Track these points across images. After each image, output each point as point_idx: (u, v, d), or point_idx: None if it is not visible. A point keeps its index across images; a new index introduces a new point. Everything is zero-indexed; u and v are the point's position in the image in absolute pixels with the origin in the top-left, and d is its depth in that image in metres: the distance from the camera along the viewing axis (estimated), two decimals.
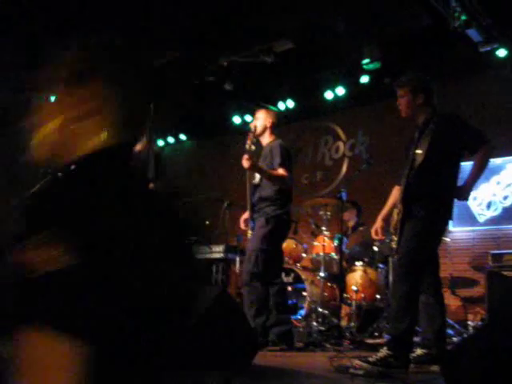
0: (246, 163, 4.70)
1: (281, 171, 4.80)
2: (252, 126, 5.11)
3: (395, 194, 4.21)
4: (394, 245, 3.89)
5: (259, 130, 5.07)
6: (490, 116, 7.43)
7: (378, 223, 4.23)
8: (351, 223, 7.42)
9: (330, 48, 7.45)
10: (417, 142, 3.77)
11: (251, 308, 4.64)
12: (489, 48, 6.85)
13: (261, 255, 4.68)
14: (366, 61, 7.47)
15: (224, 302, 3.09)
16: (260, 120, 5.11)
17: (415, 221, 3.72)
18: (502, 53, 7.04)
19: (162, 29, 7.16)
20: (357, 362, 3.47)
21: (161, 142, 11.72)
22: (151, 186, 4.71)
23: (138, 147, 5.04)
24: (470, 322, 6.31)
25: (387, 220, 4.19)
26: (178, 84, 8.69)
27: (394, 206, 4.06)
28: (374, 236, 4.28)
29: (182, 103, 9.36)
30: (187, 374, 2.75)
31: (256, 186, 4.98)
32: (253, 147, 4.91)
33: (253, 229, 4.92)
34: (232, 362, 2.96)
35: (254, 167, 4.78)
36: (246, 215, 5.14)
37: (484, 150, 3.72)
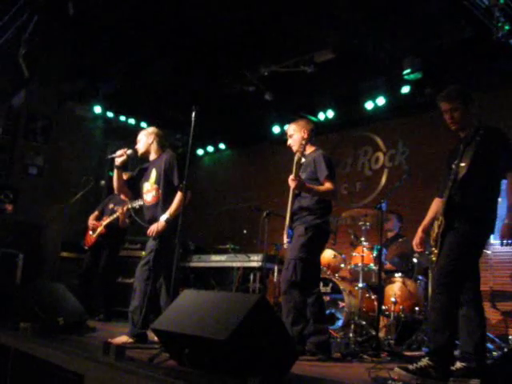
0: (292, 183, 4.67)
1: (328, 185, 4.76)
2: (289, 141, 5.08)
3: (436, 205, 4.19)
4: (434, 257, 3.87)
5: (298, 143, 5.01)
6: None
7: (419, 235, 4.20)
8: (391, 233, 7.38)
9: (370, 58, 7.43)
10: (461, 155, 3.73)
11: (288, 316, 4.64)
12: None
13: (299, 264, 4.68)
14: (407, 71, 7.42)
15: (263, 309, 3.10)
16: (293, 135, 5.06)
17: (456, 234, 3.70)
18: None
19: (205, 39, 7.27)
20: (396, 369, 3.46)
21: (200, 151, 11.85)
22: (179, 192, 4.79)
23: (154, 156, 5.08)
24: (510, 337, 6.20)
25: (427, 232, 4.16)
26: (219, 93, 8.78)
27: (434, 218, 4.04)
28: (414, 248, 4.26)
29: (222, 112, 9.47)
30: (225, 380, 2.79)
31: (296, 195, 4.97)
32: (303, 159, 4.85)
33: (291, 237, 4.91)
34: (270, 370, 2.98)
35: (302, 187, 4.75)
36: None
37: None
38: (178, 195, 4.78)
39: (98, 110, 10.02)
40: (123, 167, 5.19)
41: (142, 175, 5.24)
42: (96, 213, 7.63)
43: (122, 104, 10.11)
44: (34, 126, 9.46)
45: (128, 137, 10.36)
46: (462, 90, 3.99)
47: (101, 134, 10.59)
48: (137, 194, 5.37)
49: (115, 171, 5.18)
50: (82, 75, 8.75)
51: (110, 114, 10.34)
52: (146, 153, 5.23)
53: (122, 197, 7.47)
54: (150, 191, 5.09)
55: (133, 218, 7.10)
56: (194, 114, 4.50)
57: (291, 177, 4.65)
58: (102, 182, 8.31)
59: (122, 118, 10.54)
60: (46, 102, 9.57)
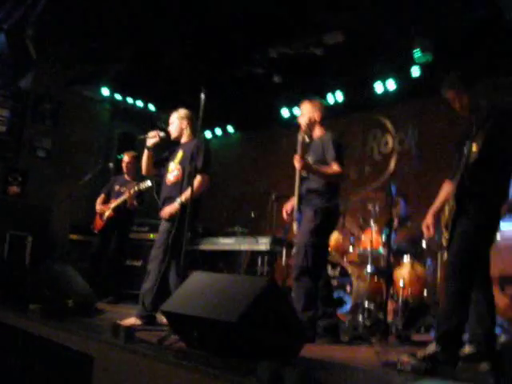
0: (298, 164, 4.65)
1: (335, 167, 4.71)
2: (300, 119, 5.04)
3: (446, 189, 4.15)
4: (444, 242, 3.85)
5: (307, 123, 5.00)
6: None
7: (429, 219, 4.16)
8: (398, 217, 7.34)
9: (380, 40, 7.35)
10: (473, 138, 3.67)
11: (300, 302, 4.62)
12: None
13: (310, 250, 4.65)
14: (417, 53, 7.35)
15: (272, 292, 3.10)
16: (306, 114, 5.04)
17: (468, 218, 3.66)
18: None
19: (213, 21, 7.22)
20: (404, 357, 3.45)
21: (209, 134, 11.81)
22: (199, 177, 4.79)
23: (185, 139, 5.13)
24: None
25: (437, 215, 4.13)
26: (228, 76, 8.74)
27: (445, 202, 4.01)
28: (424, 232, 4.22)
29: (230, 95, 9.43)
30: (237, 362, 2.78)
31: (304, 178, 4.93)
32: (307, 139, 4.84)
33: (299, 221, 4.88)
34: (279, 353, 2.98)
35: (307, 167, 4.72)
36: (289, 206, 5.10)
37: None
38: (197, 179, 4.76)
39: (105, 92, 9.99)
40: (154, 149, 5.22)
41: (171, 156, 5.27)
42: (102, 196, 7.63)
43: (130, 86, 10.07)
44: (43, 108, 9.44)
45: (135, 119, 10.39)
46: (462, 74, 3.94)
47: (108, 116, 10.57)
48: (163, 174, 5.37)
49: (146, 152, 5.26)
50: (90, 57, 8.71)
51: (117, 96, 10.30)
52: (179, 137, 5.24)
53: (127, 177, 7.50)
54: (173, 171, 5.10)
55: (140, 199, 7.12)
56: (202, 96, 4.46)
57: (296, 157, 4.62)
58: (111, 165, 8.31)
59: (130, 100, 10.51)
60: (54, 85, 9.54)
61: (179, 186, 4.93)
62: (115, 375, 3.20)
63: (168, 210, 4.86)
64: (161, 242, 4.85)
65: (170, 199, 4.95)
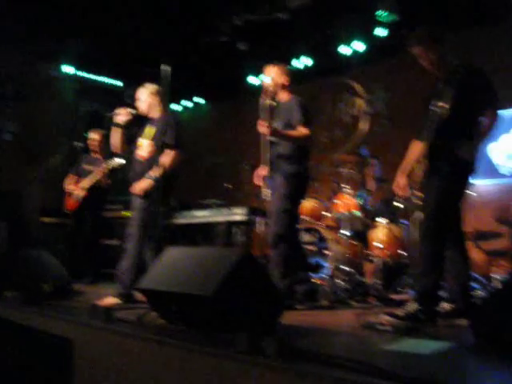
0: (262, 129, 4.59)
1: (302, 130, 4.67)
2: (265, 82, 4.95)
3: (415, 148, 4.14)
4: (417, 201, 3.85)
5: (273, 86, 4.93)
6: (510, 64, 7.26)
7: (401, 179, 4.15)
8: (373, 178, 7.35)
9: (345, 2, 7.27)
10: (440, 95, 3.65)
11: (277, 270, 4.61)
12: None
13: (284, 216, 4.64)
14: (382, 13, 7.30)
15: (248, 263, 3.08)
16: (274, 76, 4.96)
17: (440, 177, 3.67)
18: None
19: None
20: (385, 317, 3.48)
21: (178, 107, 11.69)
22: (171, 152, 4.73)
23: (156, 115, 5.06)
24: (494, 275, 6.27)
25: (409, 175, 4.12)
26: (192, 46, 8.61)
27: (415, 161, 4.00)
28: (398, 192, 4.21)
29: (196, 66, 9.29)
30: (214, 336, 2.77)
31: (272, 144, 4.87)
32: (268, 102, 4.76)
33: (271, 187, 4.84)
34: (258, 323, 2.97)
35: (274, 132, 4.67)
36: (260, 171, 5.07)
37: (495, 115, 3.66)
38: (169, 154, 4.71)
39: (69, 69, 9.80)
40: (126, 126, 5.14)
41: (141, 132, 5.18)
42: (71, 176, 7.51)
43: (94, 63, 9.88)
44: (3, 90, 9.21)
45: (101, 96, 10.21)
46: (429, 29, 3.91)
47: (74, 94, 10.37)
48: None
49: (116, 130, 5.14)
50: (49, 34, 8.49)
51: (81, 74, 10.11)
52: (148, 112, 5.15)
53: (94, 155, 7.40)
54: (143, 146, 5.02)
55: (112, 177, 7.04)
56: (165, 67, 4.37)
57: (260, 121, 4.56)
58: (77, 144, 8.16)
59: (95, 77, 10.32)
60: (14, 64, 9.30)
61: (152, 162, 4.86)
62: (96, 357, 3.17)
63: (140, 185, 4.79)
64: (136, 219, 4.80)
65: (142, 175, 4.88)
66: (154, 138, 4.96)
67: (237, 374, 2.32)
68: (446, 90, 3.61)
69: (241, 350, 2.36)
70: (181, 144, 4.89)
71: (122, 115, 5.07)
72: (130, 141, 5.25)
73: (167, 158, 4.70)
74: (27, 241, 8.32)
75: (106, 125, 5.35)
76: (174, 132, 4.85)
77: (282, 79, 4.94)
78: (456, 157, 3.67)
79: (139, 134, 5.12)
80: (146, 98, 5.14)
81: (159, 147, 4.83)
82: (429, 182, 3.72)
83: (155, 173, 4.71)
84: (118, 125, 5.09)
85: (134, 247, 4.70)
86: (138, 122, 5.30)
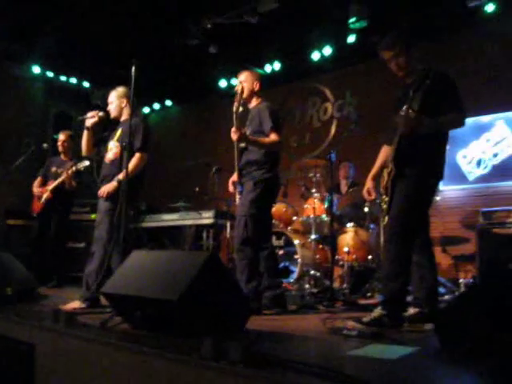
0: (234, 135, 4.59)
1: (273, 136, 4.67)
2: (238, 88, 4.95)
3: (384, 153, 4.17)
4: (384, 205, 3.87)
5: (246, 93, 4.93)
6: (478, 72, 7.37)
7: (369, 183, 4.19)
8: (345, 182, 7.39)
9: (315, 7, 7.30)
10: (410, 101, 3.66)
11: (243, 273, 4.60)
12: (477, 2, 6.75)
13: (250, 220, 4.63)
14: (352, 19, 7.34)
15: (214, 266, 3.05)
16: (247, 83, 4.97)
17: (407, 181, 3.69)
18: (490, 8, 6.97)
19: None
20: (350, 322, 3.47)
21: (146, 109, 11.62)
22: (137, 155, 4.70)
23: (123, 117, 5.01)
24: (461, 280, 6.34)
25: (377, 180, 4.15)
26: (162, 48, 8.56)
27: (383, 166, 4.03)
28: (365, 196, 4.23)
29: (166, 68, 9.25)
30: (179, 341, 2.74)
31: (243, 150, 4.89)
32: (240, 109, 4.78)
33: (241, 193, 4.85)
34: (224, 328, 2.94)
35: (244, 139, 4.66)
36: (234, 177, 5.07)
37: (456, 116, 3.70)
38: (135, 157, 4.70)
39: (36, 70, 9.68)
40: (93, 129, 5.10)
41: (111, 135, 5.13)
42: (39, 178, 7.38)
43: (62, 63, 9.75)
44: None
45: (70, 97, 10.09)
46: (399, 34, 3.93)
47: (41, 95, 10.22)
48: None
49: (85, 133, 5.12)
50: (16, 34, 8.37)
51: (50, 74, 9.98)
52: (119, 116, 5.10)
53: (63, 157, 7.30)
54: (111, 149, 4.98)
55: (79, 179, 6.94)
56: (133, 68, 4.33)
57: (233, 129, 4.57)
58: (45, 145, 8.02)
59: (63, 78, 10.20)
60: None
61: (118, 164, 4.81)
62: (58, 362, 3.10)
63: (106, 188, 4.74)
64: (101, 221, 4.74)
65: (108, 177, 4.84)
66: (119, 140, 4.92)
67: (201, 380, 2.29)
68: (414, 95, 3.64)
69: (205, 356, 2.33)
70: (147, 147, 4.85)
71: (90, 118, 5.03)
72: (100, 144, 5.20)
73: (133, 160, 4.66)
74: None
75: (74, 126, 5.28)
76: (141, 135, 4.81)
77: (254, 85, 4.94)
78: (423, 162, 3.69)
79: (111, 138, 5.08)
80: (115, 100, 5.10)
81: (124, 149, 4.79)
82: (395, 187, 3.73)
83: (120, 175, 4.66)
84: (87, 128, 5.06)
85: (102, 250, 4.64)
86: (111, 126, 5.25)
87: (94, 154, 5.32)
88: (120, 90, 5.14)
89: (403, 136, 3.66)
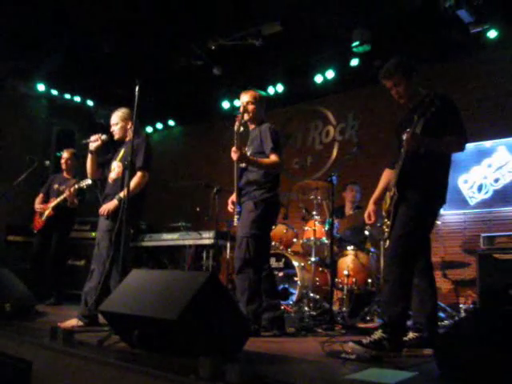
0: (234, 155, 4.59)
1: (273, 157, 4.68)
2: (241, 110, 4.95)
3: (386, 177, 4.18)
4: (386, 229, 3.86)
5: (249, 113, 4.93)
6: (480, 98, 7.41)
7: (370, 207, 4.19)
8: (351, 205, 7.37)
9: (319, 31, 7.36)
10: (415, 125, 3.66)
11: (243, 295, 4.57)
12: (480, 29, 6.79)
13: (251, 241, 4.61)
14: (355, 43, 7.39)
15: (213, 287, 3.04)
16: (251, 103, 4.96)
17: (408, 205, 3.69)
18: (492, 34, 7.00)
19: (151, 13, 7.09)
20: (350, 344, 3.46)
21: (149, 129, 11.66)
22: (139, 173, 4.71)
23: (128, 138, 5.03)
24: (461, 305, 6.32)
25: (379, 203, 4.15)
26: (166, 69, 8.62)
27: (385, 190, 4.03)
28: (366, 220, 4.24)
29: (170, 88, 9.30)
30: (177, 361, 2.72)
31: (243, 170, 4.88)
32: (241, 128, 4.79)
33: (239, 213, 4.83)
34: (222, 349, 2.93)
35: (244, 159, 4.67)
36: (233, 197, 5.07)
37: (455, 139, 3.70)
38: (136, 176, 4.72)
39: (41, 87, 9.73)
40: (97, 152, 5.12)
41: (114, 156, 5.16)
42: (41, 195, 7.39)
43: (67, 81, 9.81)
44: None
45: (74, 115, 10.14)
46: (399, 62, 3.95)
47: (45, 112, 10.27)
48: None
49: (89, 156, 5.14)
50: (22, 52, 8.43)
51: (54, 92, 10.03)
52: (123, 137, 5.12)
53: (66, 175, 7.31)
54: (114, 169, 5.00)
55: (81, 197, 6.94)
56: (137, 88, 4.36)
57: (233, 149, 4.57)
58: (47, 162, 8.05)
59: (67, 96, 10.25)
60: None
61: (119, 183, 4.83)
62: (54, 379, 3.08)
63: (106, 206, 4.75)
64: (101, 239, 4.74)
65: (110, 196, 4.85)
66: (121, 160, 4.94)
67: None
68: (418, 121, 3.64)
69: (203, 376, 2.32)
70: (148, 166, 4.87)
71: (94, 142, 5.05)
72: (105, 165, 5.22)
73: (135, 179, 4.68)
74: None
75: (77, 145, 5.30)
76: (142, 154, 4.83)
77: (260, 107, 4.96)
78: (426, 186, 3.70)
79: (114, 158, 5.10)
80: (119, 122, 5.12)
81: (126, 168, 4.81)
82: (397, 210, 3.73)
83: (121, 194, 4.68)
84: (91, 151, 5.08)
85: (101, 268, 4.64)
86: (114, 147, 5.28)
87: (99, 176, 5.35)
88: (124, 111, 5.16)
89: (407, 153, 3.66)
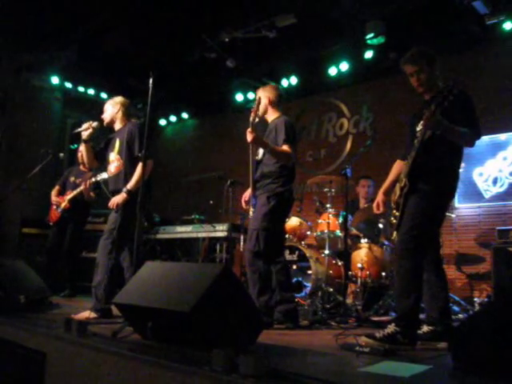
0: (249, 136, 4.59)
1: (285, 147, 4.70)
2: (257, 102, 4.97)
3: (397, 168, 4.15)
4: (394, 220, 3.84)
5: (264, 106, 4.96)
6: (495, 90, 7.34)
7: (380, 197, 4.17)
8: (365, 200, 7.33)
9: (333, 23, 7.32)
10: (432, 112, 3.61)
11: (255, 287, 4.60)
12: (495, 20, 6.75)
13: (262, 234, 4.62)
14: (370, 35, 7.34)
15: (227, 279, 3.04)
16: (264, 96, 5.00)
17: (419, 196, 3.66)
18: (508, 26, 6.93)
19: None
20: (363, 338, 3.44)
21: (163, 121, 11.68)
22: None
23: (118, 126, 5.00)
24: (475, 299, 6.28)
25: (389, 194, 4.12)
26: (180, 61, 8.61)
27: (396, 181, 4.00)
28: (375, 210, 4.21)
29: (183, 81, 9.29)
30: (190, 352, 2.72)
31: (259, 162, 4.89)
32: (257, 119, 4.80)
33: (254, 206, 4.85)
34: (236, 341, 2.92)
35: (257, 140, 4.67)
36: (246, 194, 5.07)
37: (468, 132, 3.66)
38: (139, 166, 4.70)
39: (55, 80, 9.77)
40: (91, 140, 5.11)
41: (109, 146, 5.15)
42: (57, 187, 7.43)
43: (81, 74, 9.84)
44: None
45: (87, 108, 10.16)
46: (425, 51, 3.92)
47: (59, 105, 10.30)
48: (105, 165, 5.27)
49: (83, 145, 5.16)
50: (37, 45, 8.46)
51: (68, 85, 10.07)
52: (112, 123, 5.17)
53: (82, 168, 7.32)
54: (113, 161, 5.03)
55: (98, 191, 6.97)
56: (151, 80, 4.36)
57: (248, 129, 4.57)
58: (61, 155, 8.07)
59: (81, 89, 10.29)
60: (0, 74, 9.24)
61: (123, 176, 4.86)
62: (68, 370, 3.10)
63: (115, 199, 4.76)
64: (107, 233, 4.76)
65: (116, 190, 4.87)
66: (119, 152, 4.95)
67: None
68: (434, 108, 3.59)
69: (216, 369, 2.31)
70: (148, 153, 4.82)
71: (85, 130, 5.04)
72: (102, 156, 5.22)
73: (138, 169, 4.68)
74: (4, 251, 8.21)
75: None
76: (138, 142, 4.85)
77: (266, 99, 4.98)
78: (437, 178, 3.67)
79: (110, 149, 5.10)
80: (109, 108, 5.14)
81: (127, 160, 4.84)
82: (407, 202, 3.71)
83: (128, 186, 4.71)
84: (84, 140, 5.07)
85: (105, 261, 4.65)
86: (107, 134, 5.29)
87: (97, 166, 5.37)
88: (116, 98, 5.20)
89: (424, 134, 3.62)
